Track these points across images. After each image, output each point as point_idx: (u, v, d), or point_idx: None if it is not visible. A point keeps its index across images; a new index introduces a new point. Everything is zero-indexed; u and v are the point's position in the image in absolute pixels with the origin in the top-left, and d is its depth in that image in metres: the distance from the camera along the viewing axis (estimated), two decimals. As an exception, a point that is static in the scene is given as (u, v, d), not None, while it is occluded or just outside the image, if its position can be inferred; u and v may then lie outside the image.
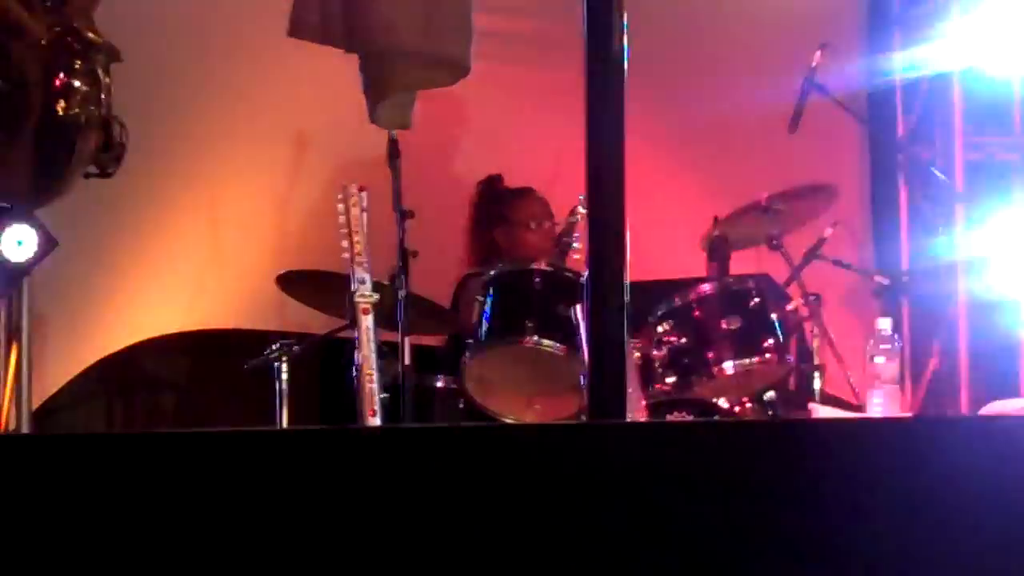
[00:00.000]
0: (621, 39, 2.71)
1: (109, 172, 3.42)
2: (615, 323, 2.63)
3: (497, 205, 6.06)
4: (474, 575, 2.35)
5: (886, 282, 6.24)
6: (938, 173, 6.69)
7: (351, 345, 4.74)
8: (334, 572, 2.33)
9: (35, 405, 5.53)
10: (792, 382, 5.72)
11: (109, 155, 3.39)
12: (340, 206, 4.76)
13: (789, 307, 5.61)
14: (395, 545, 2.34)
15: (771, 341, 5.39)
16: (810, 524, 2.40)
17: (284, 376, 5.21)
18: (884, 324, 4.85)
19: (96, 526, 2.32)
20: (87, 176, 3.45)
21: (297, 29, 4.50)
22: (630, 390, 3.29)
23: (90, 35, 3.36)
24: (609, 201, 2.67)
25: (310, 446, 2.40)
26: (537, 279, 5.30)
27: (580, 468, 2.37)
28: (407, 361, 4.90)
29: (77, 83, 3.32)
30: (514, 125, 6.49)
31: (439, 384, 5.48)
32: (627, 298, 2.67)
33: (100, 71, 3.35)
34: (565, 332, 5.05)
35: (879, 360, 4.74)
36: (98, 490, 2.33)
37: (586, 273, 2.72)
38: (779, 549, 2.39)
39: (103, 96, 3.34)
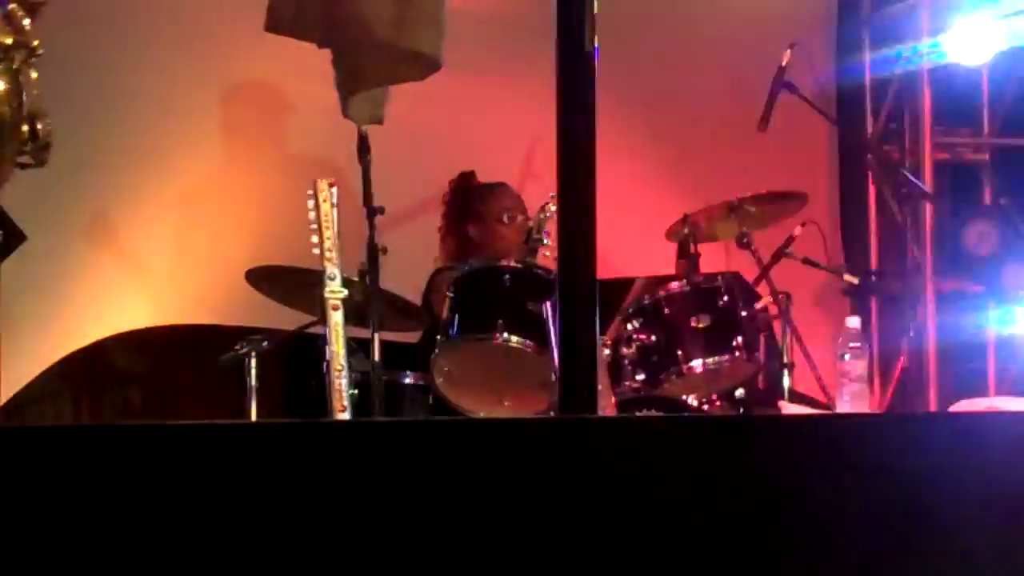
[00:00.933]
0: (592, 37, 2.71)
1: (43, 161, 3.49)
2: (585, 320, 2.63)
3: (470, 201, 6.05)
4: (444, 570, 2.35)
5: (855, 281, 6.26)
6: (907, 173, 6.72)
7: (321, 341, 4.73)
8: (303, 565, 2.33)
9: (2, 400, 5.52)
10: (761, 380, 5.73)
11: (36, 146, 3.45)
12: (310, 201, 4.75)
13: (758, 305, 5.63)
14: (364, 539, 2.34)
15: (740, 339, 5.40)
16: (778, 519, 2.41)
17: (253, 372, 5.21)
18: (853, 323, 4.85)
19: (63, 518, 2.32)
20: (23, 167, 3.51)
21: (273, 24, 4.50)
22: (600, 387, 3.29)
23: (5, 39, 3.42)
24: (580, 198, 2.67)
25: (281, 440, 2.40)
26: (507, 276, 5.30)
27: (550, 463, 2.38)
28: (377, 357, 4.89)
29: None
30: (485, 122, 6.49)
31: (408, 380, 5.48)
32: (597, 295, 2.67)
33: (21, 68, 3.40)
34: (535, 329, 5.05)
35: (848, 359, 4.75)
36: (66, 482, 2.33)
37: (556, 270, 2.72)
38: (747, 544, 2.40)
39: (24, 94, 3.41)
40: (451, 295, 5.30)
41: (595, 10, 2.70)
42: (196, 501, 2.33)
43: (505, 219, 5.94)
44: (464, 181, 6.13)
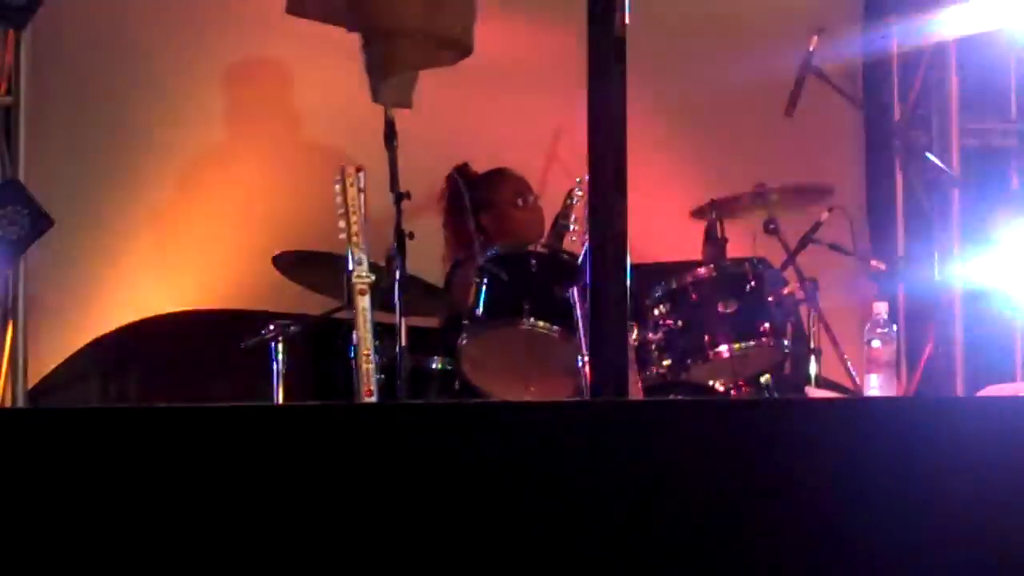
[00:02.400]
0: (624, 21, 2.71)
1: None
2: (616, 305, 2.63)
3: (476, 191, 5.99)
4: (474, 552, 2.35)
5: (882, 267, 6.24)
6: (934, 159, 6.68)
7: (347, 326, 4.74)
8: (329, 546, 2.34)
9: (30, 384, 5.54)
10: (788, 366, 5.72)
11: None
12: (337, 186, 4.75)
13: (785, 291, 5.61)
14: (391, 520, 2.35)
15: (767, 325, 5.39)
16: (805, 502, 2.41)
17: (280, 356, 5.21)
18: (880, 308, 4.85)
19: (91, 499, 2.33)
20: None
21: (295, 6, 4.51)
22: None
23: None
24: (611, 184, 2.67)
25: (309, 422, 2.41)
26: (533, 261, 5.30)
27: (580, 446, 2.38)
28: (403, 342, 4.89)
29: None
30: (511, 107, 6.47)
31: (435, 365, 5.48)
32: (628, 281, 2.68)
33: None
34: (561, 314, 5.05)
35: (875, 344, 4.75)
36: (93, 464, 2.34)
37: (582, 254, 2.72)
38: (775, 527, 2.40)
39: None
40: (477, 280, 5.30)
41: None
42: (222, 483, 2.34)
43: (519, 202, 5.92)
44: (463, 172, 6.06)
